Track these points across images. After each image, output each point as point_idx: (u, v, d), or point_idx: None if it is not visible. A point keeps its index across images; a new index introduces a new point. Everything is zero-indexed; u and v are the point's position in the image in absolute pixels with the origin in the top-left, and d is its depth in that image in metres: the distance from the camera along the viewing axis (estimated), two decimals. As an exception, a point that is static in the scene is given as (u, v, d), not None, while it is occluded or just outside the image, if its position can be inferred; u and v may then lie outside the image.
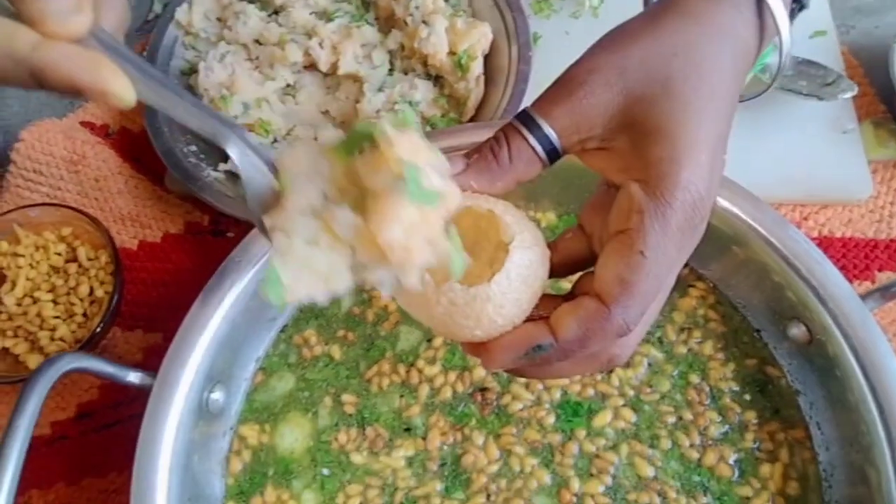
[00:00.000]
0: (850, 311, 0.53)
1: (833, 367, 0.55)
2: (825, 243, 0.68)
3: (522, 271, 0.36)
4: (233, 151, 0.36)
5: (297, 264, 0.34)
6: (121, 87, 0.33)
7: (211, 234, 0.74)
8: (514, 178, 0.39)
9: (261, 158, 0.36)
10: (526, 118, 0.39)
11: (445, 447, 0.58)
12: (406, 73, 0.73)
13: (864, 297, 0.54)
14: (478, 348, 0.38)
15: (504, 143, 0.39)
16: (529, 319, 0.37)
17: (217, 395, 0.57)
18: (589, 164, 0.40)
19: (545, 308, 0.38)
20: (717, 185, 0.37)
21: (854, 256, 0.68)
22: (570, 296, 0.40)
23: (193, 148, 0.70)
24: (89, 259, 0.69)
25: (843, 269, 0.61)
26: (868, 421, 0.52)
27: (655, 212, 0.35)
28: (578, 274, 0.41)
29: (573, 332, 0.36)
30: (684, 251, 0.37)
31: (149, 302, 0.71)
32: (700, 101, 0.37)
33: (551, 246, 0.41)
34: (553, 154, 0.39)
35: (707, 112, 0.37)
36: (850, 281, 0.61)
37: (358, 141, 0.35)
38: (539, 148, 0.38)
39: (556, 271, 0.40)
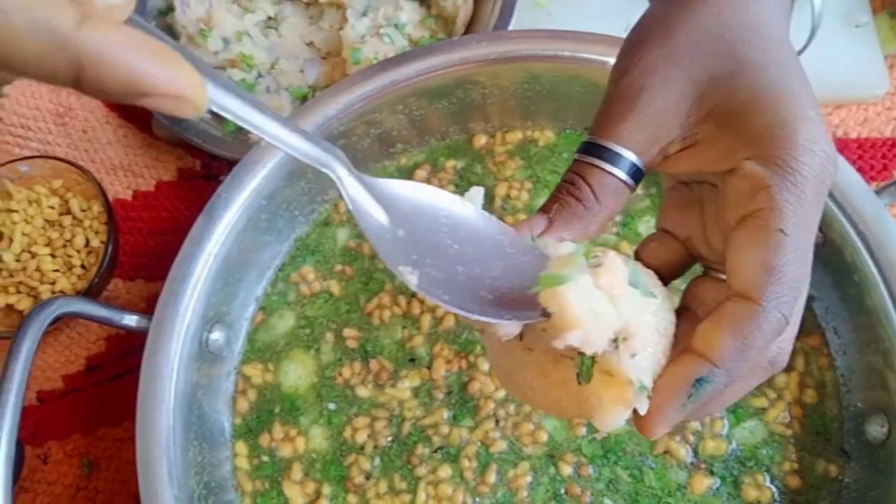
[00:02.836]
0: (863, 207, 0.50)
1: (850, 272, 0.52)
2: (840, 145, 0.65)
3: (650, 319, 0.33)
4: (341, 187, 0.32)
5: None
6: (195, 84, 0.24)
7: (204, 179, 0.72)
8: (607, 215, 0.35)
9: (372, 195, 0.33)
10: (595, 148, 0.35)
11: (451, 375, 0.57)
12: (391, -4, 0.69)
13: (878, 191, 0.51)
14: (637, 419, 0.33)
15: (583, 184, 0.35)
16: None
17: (217, 335, 0.57)
18: (677, 170, 0.36)
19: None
20: (829, 137, 0.33)
21: (871, 157, 0.65)
22: (682, 310, 0.36)
23: (177, 90, 0.68)
24: (82, 210, 0.68)
25: (859, 171, 0.57)
26: (887, 326, 0.50)
27: (784, 182, 0.31)
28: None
29: (730, 346, 0.30)
30: (819, 217, 0.32)
31: (147, 251, 0.71)
32: (773, 59, 0.33)
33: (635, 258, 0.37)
34: (637, 174, 0.35)
35: (786, 66, 0.33)
36: (868, 183, 0.58)
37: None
38: (623, 174, 0.35)
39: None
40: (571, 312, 0.30)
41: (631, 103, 0.34)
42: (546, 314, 0.31)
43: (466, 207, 0.35)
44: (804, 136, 0.31)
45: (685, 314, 0.36)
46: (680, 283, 0.38)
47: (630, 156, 0.34)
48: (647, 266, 0.37)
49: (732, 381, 0.31)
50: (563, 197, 0.35)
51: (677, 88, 0.34)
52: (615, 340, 0.32)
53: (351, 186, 0.33)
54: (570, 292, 0.30)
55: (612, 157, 0.34)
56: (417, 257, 0.33)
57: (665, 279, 0.37)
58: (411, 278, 0.33)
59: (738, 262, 0.31)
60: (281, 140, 0.30)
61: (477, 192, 0.36)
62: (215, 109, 0.27)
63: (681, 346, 0.33)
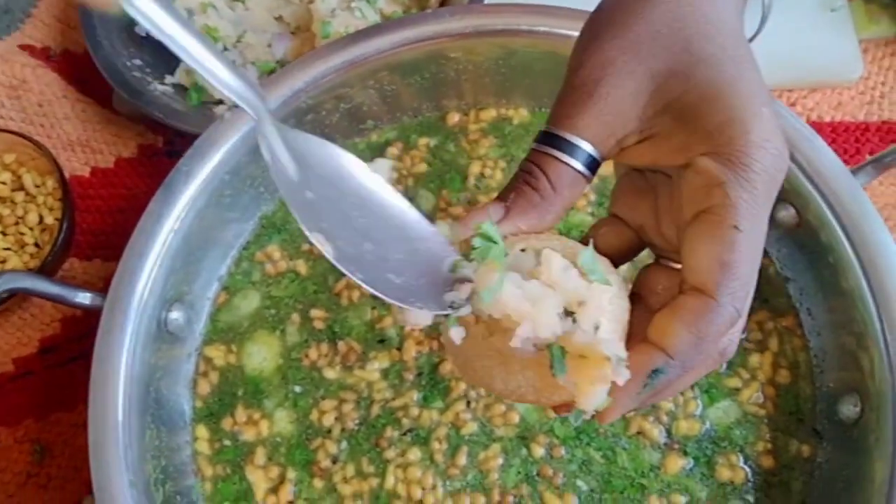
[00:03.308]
0: (840, 188, 0.50)
1: (826, 254, 0.52)
2: (814, 129, 0.65)
3: (608, 306, 0.33)
4: (259, 130, 0.32)
5: None
6: None
7: (166, 156, 0.70)
8: (563, 205, 0.36)
9: (287, 147, 0.32)
10: (553, 139, 0.35)
11: (422, 356, 0.55)
12: (362, -31, 0.67)
13: (855, 171, 0.51)
14: None
15: (540, 174, 0.35)
16: None
17: (176, 315, 0.54)
18: (633, 162, 0.37)
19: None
20: (782, 133, 0.33)
21: (844, 141, 0.65)
22: (632, 296, 0.36)
23: (138, 62, 0.66)
24: (36, 186, 0.65)
25: (833, 154, 0.57)
26: (861, 307, 0.50)
27: (738, 178, 0.32)
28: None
29: (685, 339, 0.31)
30: (769, 212, 0.33)
31: (105, 230, 0.68)
32: (730, 55, 0.34)
33: (583, 243, 0.38)
34: (594, 165, 0.35)
35: (742, 62, 0.34)
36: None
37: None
38: (579, 165, 0.35)
39: None
40: (513, 310, 0.31)
41: (588, 94, 0.34)
42: (455, 306, 0.33)
43: (374, 179, 0.35)
44: (757, 133, 0.32)
45: (635, 301, 0.36)
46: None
47: (587, 147, 0.35)
48: (599, 251, 0.37)
49: (685, 372, 0.33)
50: (520, 186, 0.36)
51: (635, 80, 0.34)
52: (571, 315, 0.32)
53: (270, 132, 0.32)
54: (506, 294, 0.31)
55: (569, 148, 0.35)
56: (328, 226, 0.32)
57: (615, 263, 0.37)
58: (327, 247, 0.32)
59: (693, 258, 0.32)
60: (202, 64, 0.29)
61: (383, 165, 0.36)
62: (134, 14, 0.26)
63: (634, 334, 0.34)
